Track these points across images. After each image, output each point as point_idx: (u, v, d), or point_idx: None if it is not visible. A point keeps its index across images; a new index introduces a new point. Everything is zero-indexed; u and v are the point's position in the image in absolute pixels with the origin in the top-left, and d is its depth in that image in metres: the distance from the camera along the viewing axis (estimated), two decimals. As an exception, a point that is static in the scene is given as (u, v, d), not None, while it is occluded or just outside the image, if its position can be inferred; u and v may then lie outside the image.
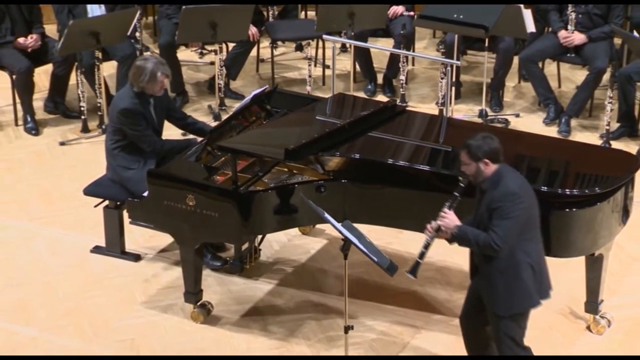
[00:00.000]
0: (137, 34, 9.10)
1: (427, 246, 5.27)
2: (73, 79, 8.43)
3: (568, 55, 8.47)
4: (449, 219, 5.18)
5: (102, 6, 8.29)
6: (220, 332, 6.18)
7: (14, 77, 8.23)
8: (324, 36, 8.27)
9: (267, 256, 6.85)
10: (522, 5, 8.02)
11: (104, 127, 8.14)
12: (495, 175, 5.11)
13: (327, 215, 5.31)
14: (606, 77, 8.33)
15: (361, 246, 5.26)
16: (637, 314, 6.33)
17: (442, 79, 8.20)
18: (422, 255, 5.27)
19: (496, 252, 5.05)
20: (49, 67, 8.50)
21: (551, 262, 6.22)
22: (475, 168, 5.12)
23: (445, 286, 6.52)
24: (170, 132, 7.02)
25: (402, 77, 8.59)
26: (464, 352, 5.89)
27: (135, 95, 6.49)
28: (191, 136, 6.93)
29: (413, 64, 9.43)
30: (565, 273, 6.50)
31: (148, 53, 9.32)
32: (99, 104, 8.17)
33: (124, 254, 6.82)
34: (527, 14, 8.07)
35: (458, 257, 6.57)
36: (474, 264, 5.31)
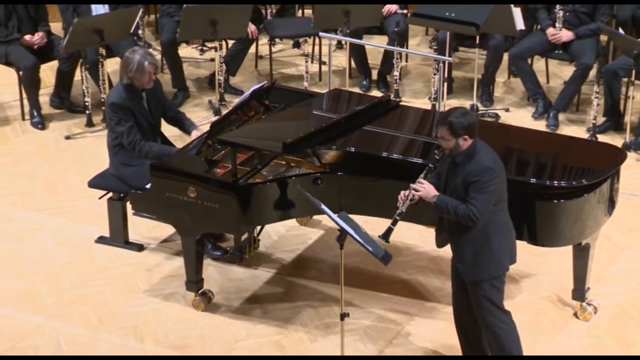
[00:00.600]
0: (140, 32, 9.09)
1: (400, 214, 5.33)
2: (78, 75, 8.44)
3: (556, 51, 8.48)
4: (426, 188, 5.25)
5: (106, 5, 8.28)
6: (220, 319, 6.19)
7: (20, 73, 8.23)
8: (321, 33, 8.27)
9: (266, 246, 6.86)
10: (511, 4, 8.03)
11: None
12: (469, 150, 5.19)
13: (323, 207, 5.32)
14: (593, 72, 8.34)
15: (356, 236, 5.27)
16: (622, 301, 6.35)
17: (434, 74, 8.21)
18: (395, 222, 5.35)
19: (475, 223, 5.16)
20: (54, 64, 8.50)
21: (540, 252, 6.27)
22: (455, 143, 5.19)
23: (438, 275, 6.54)
24: (171, 133, 7.02)
25: (396, 73, 8.60)
26: (456, 339, 5.91)
27: (125, 90, 6.47)
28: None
29: (406, 61, 9.44)
30: (553, 262, 6.53)
31: (150, 49, 9.34)
32: (102, 99, 8.16)
33: (127, 244, 6.82)
34: (517, 12, 8.08)
35: (449, 248, 6.57)
36: (441, 226, 5.40)
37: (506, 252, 5.33)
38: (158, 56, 9.12)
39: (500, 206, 5.26)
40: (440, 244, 5.47)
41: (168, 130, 6.87)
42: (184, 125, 6.79)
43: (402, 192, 5.33)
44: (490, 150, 5.25)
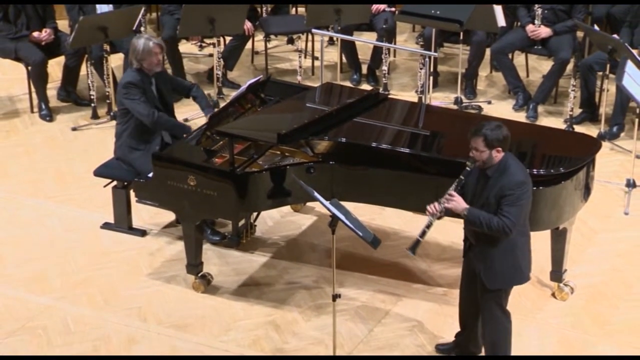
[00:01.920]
0: (142, 29, 9.06)
1: (429, 226, 5.18)
2: (83, 69, 8.41)
3: (535, 47, 8.47)
4: (457, 201, 5.10)
5: (110, 3, 8.25)
6: (219, 300, 6.18)
7: (29, 68, 8.20)
8: (313, 30, 8.25)
9: (262, 231, 6.85)
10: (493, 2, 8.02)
11: (112, 113, 8.12)
12: (501, 163, 5.07)
13: (316, 194, 5.31)
14: (570, 67, 8.34)
15: (347, 222, 5.26)
16: (597, 282, 6.36)
17: (420, 69, 8.20)
18: (423, 234, 5.20)
19: (508, 236, 5.05)
20: (61, 59, 8.47)
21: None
22: (488, 155, 5.06)
23: (424, 258, 6.54)
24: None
25: (385, 67, 8.58)
26: (441, 317, 5.94)
27: (137, 73, 6.47)
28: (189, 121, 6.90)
29: (394, 56, 9.42)
30: (532, 245, 6.51)
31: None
32: (107, 93, 8.15)
33: (131, 230, 6.81)
34: (498, 10, 8.07)
35: (436, 232, 6.56)
36: (468, 241, 5.29)
37: (528, 262, 5.25)
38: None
39: (527, 219, 5.17)
40: (468, 256, 5.32)
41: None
42: (199, 102, 6.76)
43: (430, 205, 5.15)
44: (519, 163, 5.14)
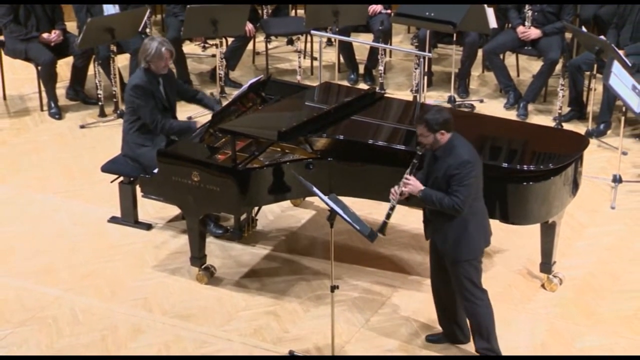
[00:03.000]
0: (148, 30, 9.05)
1: (392, 208, 5.32)
2: (91, 69, 8.39)
3: (525, 48, 8.46)
4: (412, 184, 5.23)
5: (117, 5, 8.23)
6: (222, 292, 6.17)
7: (39, 68, 8.19)
8: (312, 31, 8.24)
9: (263, 225, 6.85)
10: (485, 4, 8.01)
11: (119, 112, 8.11)
12: (448, 144, 5.16)
13: (315, 189, 5.30)
14: (558, 67, 8.32)
15: (345, 216, 5.25)
16: (585, 274, 6.36)
17: (415, 69, 8.18)
18: (388, 216, 5.33)
19: (459, 213, 5.14)
20: (70, 60, 8.45)
21: (510, 229, 6.28)
22: (433, 138, 5.16)
23: (419, 250, 6.53)
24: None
25: (381, 67, 8.57)
26: (435, 308, 5.91)
27: (145, 74, 6.45)
28: (193, 119, 6.89)
29: (390, 56, 9.41)
30: (522, 238, 6.53)
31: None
32: (114, 92, 8.13)
33: (137, 224, 6.80)
34: (490, 12, 8.06)
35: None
36: (427, 218, 5.38)
37: (482, 236, 5.32)
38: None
39: (477, 195, 5.24)
40: (428, 235, 5.43)
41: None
42: (207, 103, 6.77)
43: (392, 189, 5.30)
44: (467, 143, 5.21)
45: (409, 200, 5.40)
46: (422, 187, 5.21)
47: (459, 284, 5.33)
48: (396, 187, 5.28)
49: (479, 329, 5.43)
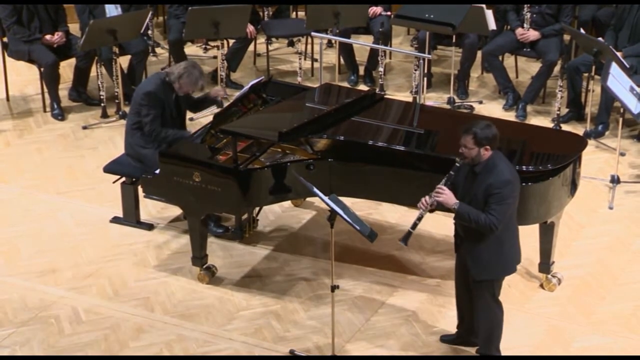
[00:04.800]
0: (150, 32, 9.04)
1: (420, 218, 5.18)
2: (94, 71, 8.38)
3: (524, 49, 8.45)
4: (447, 195, 5.09)
5: (119, 7, 8.22)
6: (223, 291, 6.16)
7: (42, 69, 8.17)
8: (313, 33, 8.22)
9: (264, 225, 6.83)
10: (484, 6, 7.99)
11: (121, 113, 8.10)
12: (489, 161, 5.05)
13: (315, 190, 5.29)
14: (557, 68, 8.31)
15: (345, 216, 5.24)
16: (583, 274, 6.34)
17: (415, 70, 8.17)
18: (414, 226, 5.20)
19: (493, 232, 5.04)
20: (72, 61, 8.43)
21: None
22: (477, 152, 5.04)
23: (419, 250, 6.52)
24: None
25: (381, 69, 8.56)
26: (434, 307, 5.92)
27: (162, 83, 6.45)
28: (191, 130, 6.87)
29: (390, 58, 9.39)
30: (521, 238, 6.48)
31: (158, 48, 9.30)
32: (116, 93, 8.12)
33: (139, 224, 6.79)
34: (489, 14, 8.05)
35: (429, 226, 6.57)
36: (459, 236, 5.28)
37: (516, 255, 5.26)
38: (166, 54, 9.07)
39: (514, 216, 5.16)
40: (459, 251, 5.33)
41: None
42: (203, 100, 6.76)
43: (422, 199, 5.13)
44: (508, 162, 5.11)
45: (432, 211, 5.26)
46: (456, 200, 5.07)
47: (479, 297, 5.28)
48: (427, 198, 5.12)
49: (487, 336, 5.39)
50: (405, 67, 9.18)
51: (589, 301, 6.09)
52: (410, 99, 8.25)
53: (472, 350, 5.60)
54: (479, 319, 5.37)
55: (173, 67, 6.58)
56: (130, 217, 6.78)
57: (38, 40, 8.13)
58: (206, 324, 5.88)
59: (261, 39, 9.21)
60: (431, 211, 5.22)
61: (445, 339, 5.70)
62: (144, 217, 6.84)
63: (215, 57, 9.07)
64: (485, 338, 5.40)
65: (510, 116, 8.26)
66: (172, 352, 5.67)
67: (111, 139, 7.84)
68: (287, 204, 7.00)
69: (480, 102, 8.57)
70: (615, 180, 7.24)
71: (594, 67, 7.74)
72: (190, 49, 9.39)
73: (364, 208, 6.69)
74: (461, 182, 5.17)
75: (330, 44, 9.44)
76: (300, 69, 8.47)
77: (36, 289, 6.18)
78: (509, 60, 8.94)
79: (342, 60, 8.84)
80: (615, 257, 6.52)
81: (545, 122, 8.14)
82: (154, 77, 6.59)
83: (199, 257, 6.19)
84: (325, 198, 5.26)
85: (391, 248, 6.53)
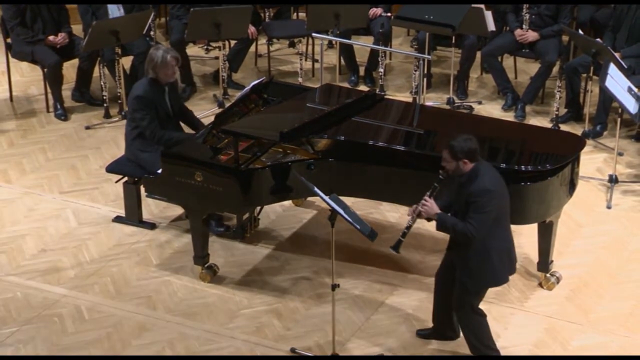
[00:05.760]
0: (152, 33, 9.04)
1: (409, 227, 5.26)
2: (96, 71, 8.38)
3: (523, 50, 8.45)
4: (429, 206, 5.17)
5: (121, 8, 8.22)
6: (224, 290, 6.17)
7: (45, 70, 8.17)
8: (314, 34, 8.22)
9: (265, 225, 6.83)
10: (483, 7, 7.99)
11: (123, 113, 8.09)
12: (472, 172, 5.09)
13: (316, 190, 5.29)
14: (556, 69, 8.31)
15: (346, 216, 5.24)
16: (582, 273, 6.34)
17: (415, 71, 8.17)
18: (404, 234, 5.27)
19: (470, 240, 5.08)
20: (75, 62, 8.44)
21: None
22: (455, 165, 5.10)
23: (419, 250, 6.52)
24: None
25: (381, 69, 8.56)
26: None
27: (149, 84, 6.43)
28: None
29: (390, 59, 9.39)
30: (520, 237, 6.51)
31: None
32: (118, 94, 8.12)
33: (141, 223, 6.79)
34: (488, 15, 8.04)
35: (430, 225, 6.53)
36: (451, 240, 5.31)
37: (506, 265, 5.26)
38: (168, 55, 9.06)
39: (503, 224, 5.17)
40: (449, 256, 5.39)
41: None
42: (195, 124, 6.69)
43: (410, 208, 5.25)
44: (493, 172, 5.14)
45: (429, 221, 5.32)
46: (438, 211, 5.15)
47: (460, 306, 5.30)
48: (414, 207, 5.23)
49: (473, 338, 5.39)
50: (405, 67, 9.18)
51: (587, 300, 6.09)
52: (410, 100, 8.25)
53: (451, 345, 5.57)
54: (460, 324, 5.40)
55: (145, 66, 6.50)
56: (133, 216, 6.78)
57: (41, 41, 8.13)
58: (208, 323, 5.88)
59: (262, 40, 9.21)
60: (417, 218, 5.28)
61: (422, 333, 5.70)
62: (146, 216, 6.84)
63: (216, 58, 9.07)
64: (472, 339, 5.39)
65: (509, 116, 8.25)
66: (174, 350, 5.67)
67: (114, 139, 7.84)
68: (288, 203, 7.00)
69: (480, 103, 8.57)
70: (613, 180, 7.24)
71: (592, 68, 7.74)
72: (192, 50, 9.39)
73: (364, 207, 6.69)
74: (453, 193, 5.24)
75: (330, 44, 9.44)
76: (301, 69, 8.47)
77: (39, 287, 6.18)
78: (508, 61, 8.93)
79: (342, 61, 8.84)
80: (614, 257, 6.52)
81: (544, 122, 8.14)
82: (141, 80, 6.58)
83: (201, 256, 6.19)
84: (326, 198, 5.26)
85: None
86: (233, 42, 8.83)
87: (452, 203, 5.21)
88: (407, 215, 5.26)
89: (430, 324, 5.73)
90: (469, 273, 5.19)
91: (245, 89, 6.63)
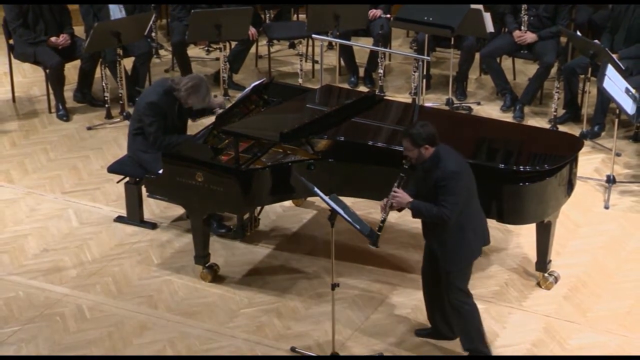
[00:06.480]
0: (153, 34, 9.04)
1: (383, 221, 5.29)
2: (98, 72, 8.38)
3: (521, 51, 8.44)
4: (400, 196, 5.20)
5: (123, 10, 8.23)
6: (225, 289, 6.17)
7: (47, 71, 8.17)
8: (314, 35, 8.22)
9: (265, 225, 6.84)
10: (482, 7, 7.99)
11: (125, 114, 8.10)
12: (434, 156, 5.13)
13: (316, 190, 5.29)
14: (554, 70, 8.31)
15: (346, 216, 5.25)
16: (580, 272, 6.35)
17: (414, 72, 8.17)
18: (380, 228, 5.31)
19: (447, 223, 5.12)
20: (77, 63, 8.44)
21: (507, 229, 6.27)
22: (417, 153, 5.13)
23: (417, 249, 6.51)
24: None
25: (381, 70, 8.56)
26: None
27: (165, 93, 6.43)
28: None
29: (389, 60, 9.39)
30: (519, 237, 6.52)
31: (162, 51, 9.31)
32: (120, 94, 8.12)
33: (142, 223, 6.79)
34: (487, 17, 8.05)
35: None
36: (426, 226, 5.36)
37: (480, 237, 5.30)
38: (169, 56, 9.08)
39: (470, 202, 5.20)
40: (426, 238, 5.43)
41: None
42: (203, 110, 6.72)
43: (381, 203, 5.28)
44: (454, 153, 5.17)
45: (400, 212, 5.37)
46: (411, 200, 5.18)
47: (449, 290, 5.33)
48: (385, 200, 5.25)
49: (466, 331, 5.41)
50: (404, 68, 9.18)
51: (585, 299, 6.09)
52: (409, 100, 8.25)
53: (450, 344, 5.58)
54: (453, 315, 5.40)
55: (180, 80, 6.48)
56: (134, 216, 6.78)
57: (43, 43, 8.13)
58: (209, 322, 5.89)
59: (263, 41, 9.21)
60: (399, 210, 5.33)
61: (420, 332, 5.71)
62: (147, 216, 6.85)
63: (217, 59, 9.07)
64: (465, 332, 5.40)
65: (508, 117, 8.25)
66: (175, 349, 5.68)
67: (115, 139, 7.84)
68: (288, 203, 7.00)
69: (479, 104, 8.57)
70: (611, 181, 7.24)
71: (590, 69, 7.74)
72: (193, 51, 9.38)
73: (364, 208, 6.69)
74: (419, 181, 5.26)
75: (330, 46, 9.44)
76: (301, 70, 8.47)
77: (41, 287, 6.18)
78: (506, 62, 8.94)
79: (342, 62, 8.84)
80: (611, 256, 6.52)
81: (542, 123, 8.14)
82: (158, 85, 6.56)
83: (202, 255, 6.19)
84: (326, 198, 5.26)
85: (391, 247, 6.53)
86: (234, 44, 8.83)
87: (418, 190, 5.24)
88: (379, 211, 5.28)
89: (429, 324, 5.73)
90: (448, 255, 5.22)
91: (246, 89, 6.63)
